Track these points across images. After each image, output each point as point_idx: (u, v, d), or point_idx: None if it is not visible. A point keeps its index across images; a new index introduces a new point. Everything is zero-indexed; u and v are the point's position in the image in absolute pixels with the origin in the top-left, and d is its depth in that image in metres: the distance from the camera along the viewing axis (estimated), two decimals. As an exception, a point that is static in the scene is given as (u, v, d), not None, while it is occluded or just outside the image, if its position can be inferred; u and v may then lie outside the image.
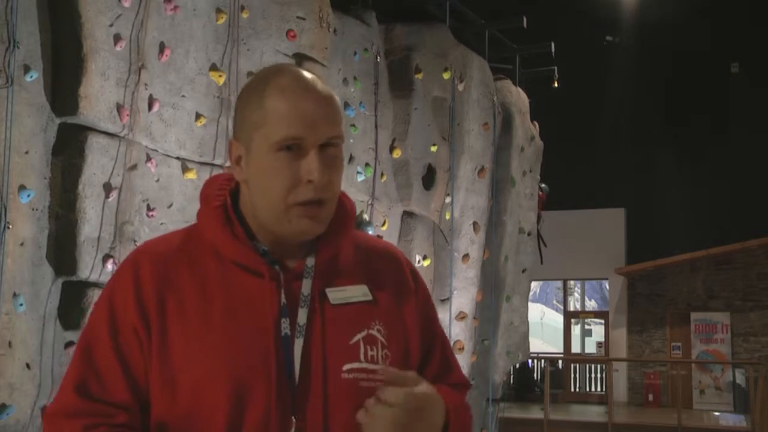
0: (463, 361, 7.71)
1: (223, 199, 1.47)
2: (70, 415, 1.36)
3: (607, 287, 19.41)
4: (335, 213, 1.45)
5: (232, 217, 1.44)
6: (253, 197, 1.42)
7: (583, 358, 19.65)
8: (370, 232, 6.09)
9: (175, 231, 1.54)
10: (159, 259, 1.43)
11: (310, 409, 1.36)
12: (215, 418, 1.33)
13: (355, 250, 1.52)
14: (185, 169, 5.05)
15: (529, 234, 9.99)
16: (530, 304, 10.64)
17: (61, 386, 1.41)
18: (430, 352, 1.54)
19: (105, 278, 4.51)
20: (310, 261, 1.44)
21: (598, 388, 18.78)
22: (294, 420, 1.35)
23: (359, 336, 1.42)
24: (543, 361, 17.00)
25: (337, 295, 1.44)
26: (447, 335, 1.73)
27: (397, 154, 7.27)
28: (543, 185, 10.63)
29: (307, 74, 1.43)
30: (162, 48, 4.82)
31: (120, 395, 1.37)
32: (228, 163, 5.35)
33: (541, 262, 10.60)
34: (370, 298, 1.46)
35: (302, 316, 1.40)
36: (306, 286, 1.42)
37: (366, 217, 6.52)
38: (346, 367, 1.39)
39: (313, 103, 1.38)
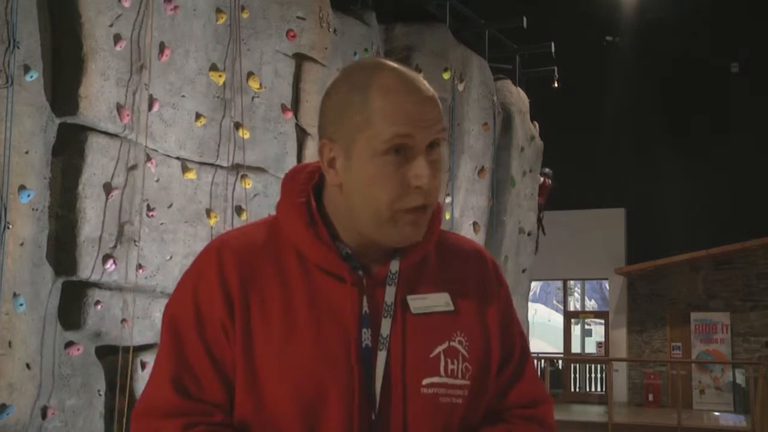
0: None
1: (306, 194, 1.39)
2: (168, 414, 1.29)
3: (607, 287, 19.40)
4: None
5: (316, 217, 1.37)
6: (351, 203, 1.33)
7: (583, 358, 19.65)
8: None
9: (255, 223, 1.45)
10: (242, 252, 1.35)
11: (391, 425, 1.30)
12: (297, 428, 1.28)
13: (439, 253, 1.45)
14: (185, 169, 5.05)
15: (529, 234, 9.99)
16: (539, 306, 10.64)
17: (151, 383, 1.34)
18: (507, 359, 1.45)
19: (105, 278, 4.51)
20: (394, 266, 1.36)
21: (598, 388, 18.77)
22: None
23: (440, 348, 1.34)
24: (543, 361, 16.99)
25: (418, 303, 1.37)
26: (526, 337, 1.64)
27: (397, 154, 7.27)
28: (547, 170, 10.62)
29: (409, 71, 1.35)
30: (162, 48, 4.82)
31: (215, 393, 1.31)
32: (228, 163, 5.35)
33: (536, 251, 10.57)
34: (451, 308, 1.38)
35: (385, 327, 1.32)
36: (389, 294, 1.35)
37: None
38: (425, 381, 1.32)
39: (420, 101, 1.31)
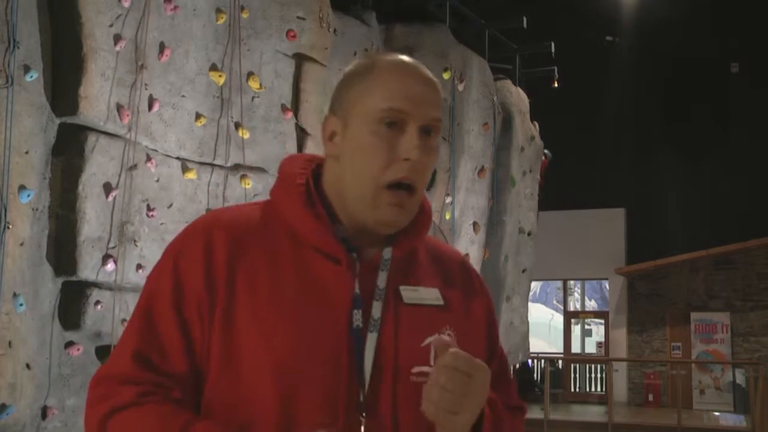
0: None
1: (306, 177, 1.40)
2: (125, 381, 1.29)
3: (607, 287, 19.40)
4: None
5: (315, 197, 1.38)
6: (343, 173, 1.35)
7: (583, 358, 19.65)
8: None
9: (249, 204, 1.46)
10: (233, 230, 1.35)
11: (380, 407, 1.30)
12: (272, 407, 1.26)
13: (426, 252, 1.47)
14: (185, 169, 5.05)
15: (529, 234, 9.99)
16: (539, 306, 10.66)
17: (116, 350, 1.34)
18: (489, 360, 1.47)
19: (105, 278, 4.51)
20: (387, 253, 1.38)
21: (598, 388, 18.78)
22: (363, 417, 1.28)
23: (430, 339, 1.35)
24: (543, 361, 16.99)
25: (410, 294, 1.38)
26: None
27: (397, 154, 7.27)
28: (546, 151, 10.63)
29: (413, 60, 1.40)
30: (162, 48, 4.82)
31: (180, 366, 1.30)
32: (228, 163, 5.35)
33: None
34: (442, 302, 1.41)
35: (377, 310, 1.33)
36: (382, 279, 1.36)
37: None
38: (415, 369, 1.32)
39: (419, 81, 1.36)
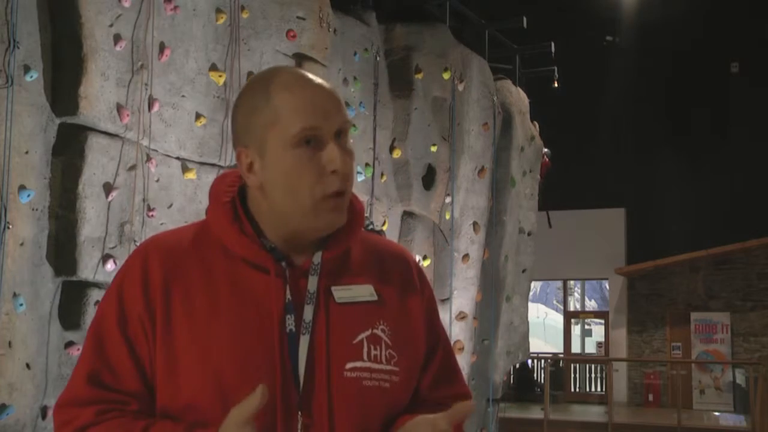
0: (463, 361, 7.71)
1: (232, 195, 1.47)
2: (82, 403, 1.36)
3: (607, 287, 19.40)
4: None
5: (241, 214, 1.44)
6: (274, 199, 1.41)
7: (583, 358, 19.65)
8: None
9: (186, 225, 1.55)
10: (167, 251, 1.43)
11: (315, 406, 1.36)
12: (216, 411, 1.32)
13: (363, 250, 1.52)
14: (185, 169, 5.05)
15: (529, 234, 9.99)
16: (539, 306, 10.69)
17: (72, 376, 1.42)
18: (432, 354, 1.53)
19: (105, 278, 4.51)
20: (317, 258, 1.44)
21: (598, 388, 18.78)
22: (300, 416, 1.35)
23: (363, 335, 1.41)
24: (543, 361, 16.99)
25: (342, 293, 1.43)
26: (447, 335, 1.71)
27: (397, 154, 7.27)
28: (546, 150, 10.63)
29: (302, 70, 1.45)
30: (162, 48, 4.82)
31: (132, 384, 1.38)
32: (228, 163, 5.35)
33: (550, 226, 10.66)
34: (375, 298, 1.46)
35: (308, 313, 1.39)
36: (312, 283, 1.42)
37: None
38: (348, 365, 1.39)
39: (319, 93, 1.39)
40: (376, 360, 1.41)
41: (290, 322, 1.38)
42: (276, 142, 1.37)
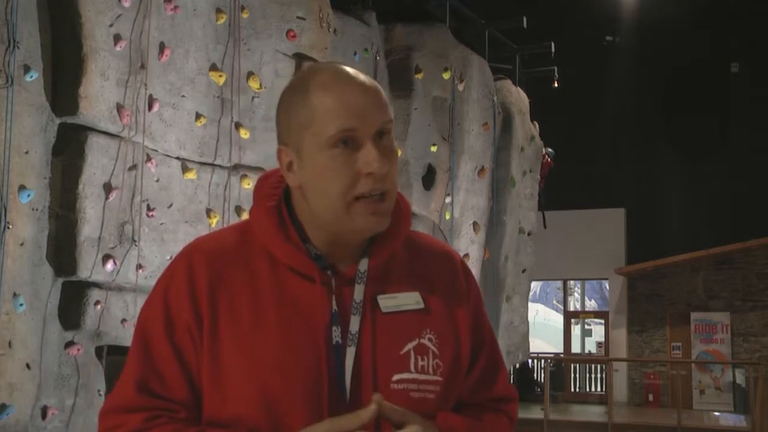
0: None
1: (277, 198, 1.43)
2: (131, 410, 1.34)
3: (607, 287, 19.40)
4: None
5: (286, 218, 1.41)
6: (310, 200, 1.37)
7: (583, 358, 19.65)
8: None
9: (229, 227, 1.50)
10: (212, 256, 1.39)
11: None
12: (262, 423, 1.30)
13: (409, 252, 1.47)
14: (185, 169, 5.05)
15: (529, 234, 9.99)
16: (539, 306, 10.67)
17: (119, 383, 1.38)
18: (476, 357, 1.49)
19: (105, 278, 4.52)
20: (363, 265, 1.39)
21: (598, 388, 18.78)
22: None
23: (410, 346, 1.37)
24: (543, 361, 16.98)
25: (388, 302, 1.39)
26: (494, 333, 1.67)
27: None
28: (549, 149, 10.61)
29: (347, 67, 1.38)
30: (162, 48, 4.82)
31: (180, 393, 1.35)
32: (228, 163, 5.35)
33: (545, 227, 10.72)
34: (422, 306, 1.41)
35: (354, 324, 1.36)
36: (358, 292, 1.38)
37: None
38: (395, 377, 1.35)
39: (358, 92, 1.34)
40: (423, 371, 1.37)
41: (336, 333, 1.35)
42: (311, 142, 1.33)
